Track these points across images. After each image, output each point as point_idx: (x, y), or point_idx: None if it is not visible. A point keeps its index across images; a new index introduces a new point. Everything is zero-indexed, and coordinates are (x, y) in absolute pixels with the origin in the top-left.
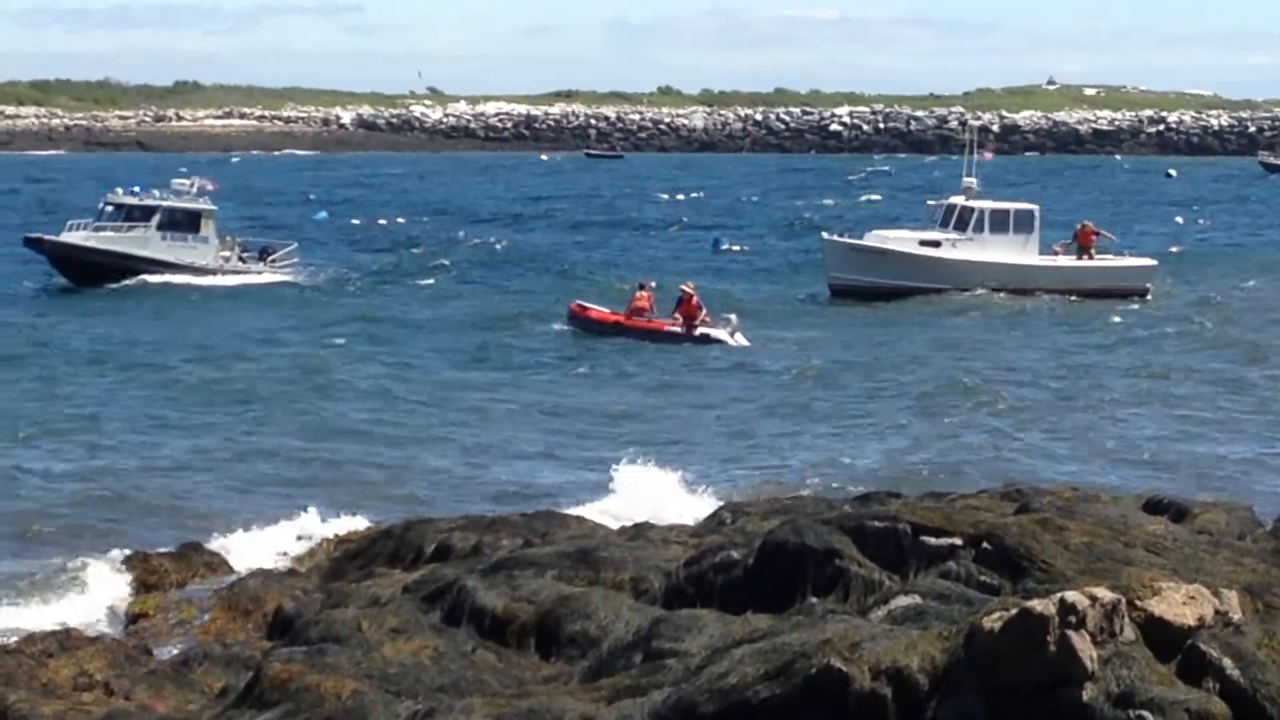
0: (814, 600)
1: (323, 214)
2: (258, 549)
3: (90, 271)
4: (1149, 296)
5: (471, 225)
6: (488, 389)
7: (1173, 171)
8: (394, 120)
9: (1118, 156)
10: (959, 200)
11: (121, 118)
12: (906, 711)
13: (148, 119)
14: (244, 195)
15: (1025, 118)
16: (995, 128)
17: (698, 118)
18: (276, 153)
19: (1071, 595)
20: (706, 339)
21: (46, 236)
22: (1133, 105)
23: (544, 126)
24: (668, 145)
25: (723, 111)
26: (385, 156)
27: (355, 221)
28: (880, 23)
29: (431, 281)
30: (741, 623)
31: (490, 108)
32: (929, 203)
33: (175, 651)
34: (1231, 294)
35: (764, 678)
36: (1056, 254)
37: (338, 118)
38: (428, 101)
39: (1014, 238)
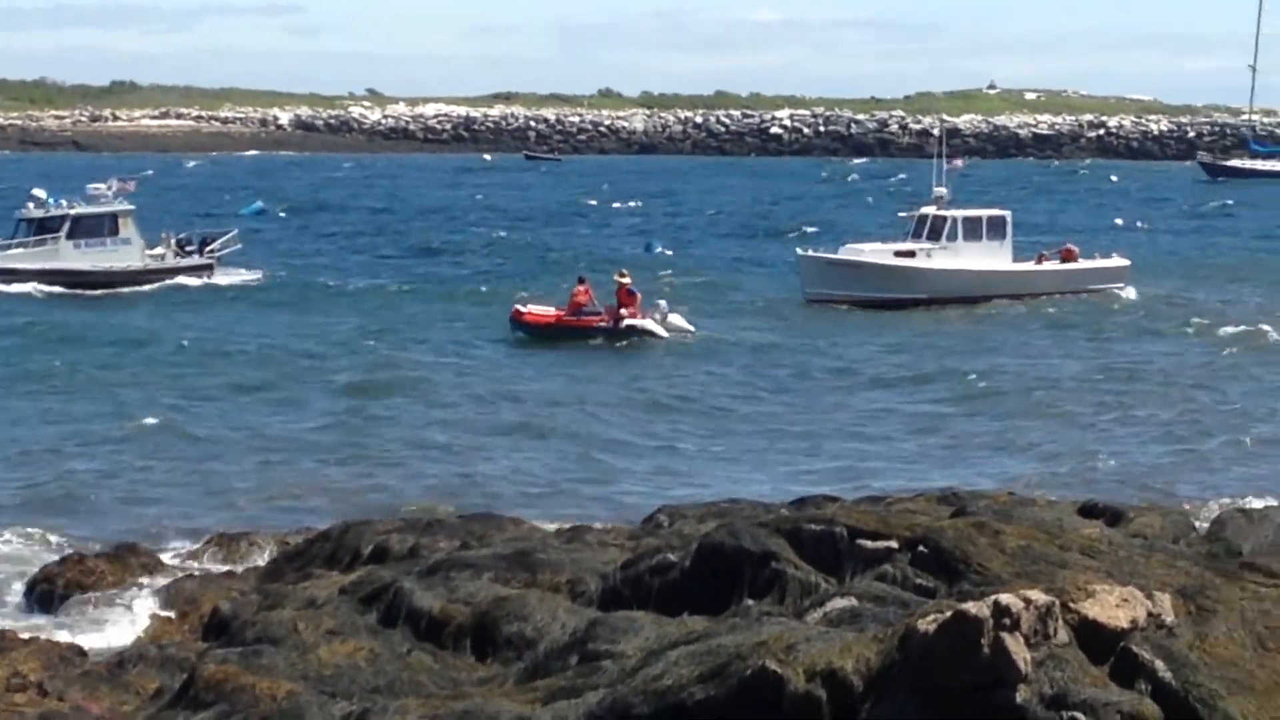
0: (750, 603)
1: (257, 204)
2: (194, 550)
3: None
4: (1125, 296)
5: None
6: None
7: (1114, 177)
8: (332, 121)
9: (1056, 162)
10: (930, 210)
11: (57, 117)
12: (841, 713)
13: (84, 119)
14: (196, 198)
15: (966, 121)
16: (935, 131)
17: (638, 120)
18: (224, 153)
19: (1006, 598)
20: (632, 330)
21: None
22: (1073, 110)
23: (483, 128)
24: (607, 148)
25: (663, 114)
26: (356, 157)
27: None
28: (822, 25)
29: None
30: (678, 625)
31: (430, 109)
32: (900, 214)
33: (110, 652)
34: (1193, 299)
35: (699, 679)
36: (1042, 261)
37: (275, 118)
38: (366, 103)
39: (988, 244)
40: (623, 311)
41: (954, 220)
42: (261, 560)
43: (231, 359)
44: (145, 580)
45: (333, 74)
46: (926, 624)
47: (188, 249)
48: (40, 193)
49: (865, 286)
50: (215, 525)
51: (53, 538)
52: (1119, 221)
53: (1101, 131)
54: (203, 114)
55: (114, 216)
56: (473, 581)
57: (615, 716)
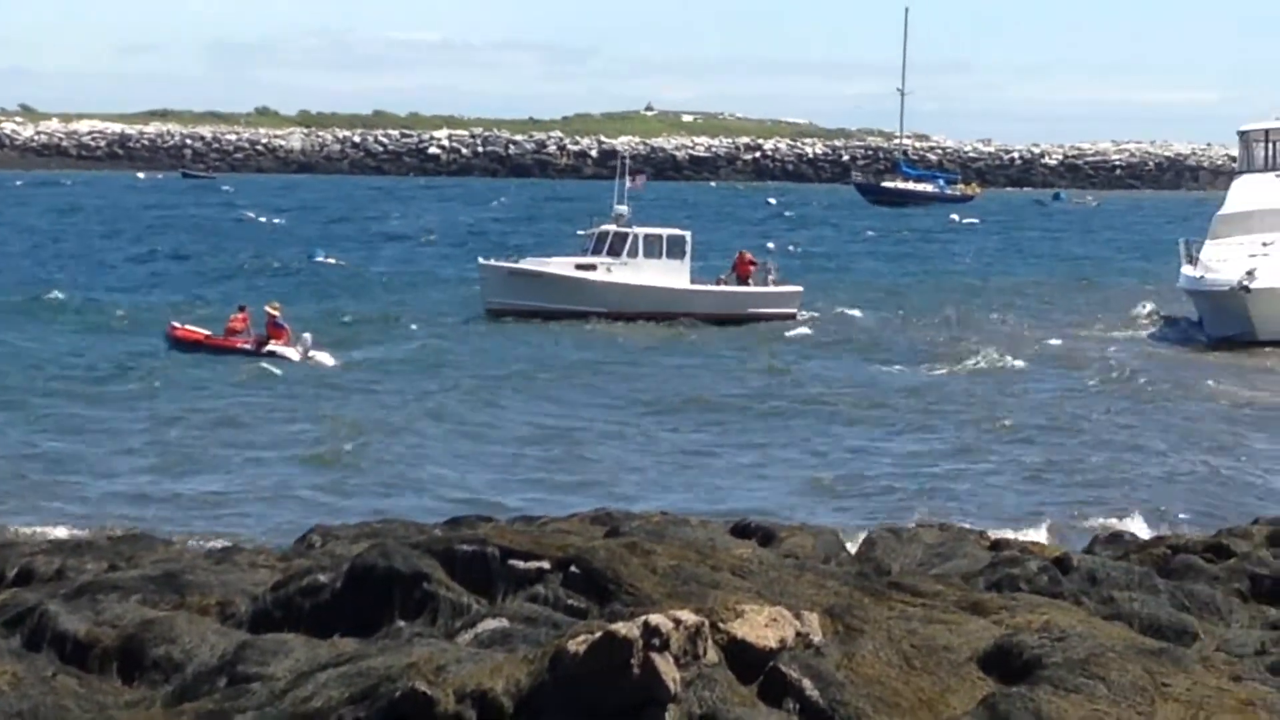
0: (402, 624)
1: None
2: None
3: None
4: (796, 319)
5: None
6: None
7: (772, 200)
8: None
9: (713, 183)
10: (611, 227)
11: None
12: None
13: None
14: None
15: (623, 143)
16: (594, 153)
17: (295, 139)
18: None
19: (655, 618)
20: (273, 354)
21: None
22: (730, 132)
23: (139, 146)
24: (265, 166)
25: (321, 133)
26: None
27: None
28: (482, 47)
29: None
30: (328, 647)
31: (84, 125)
32: (579, 232)
33: None
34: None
35: (349, 701)
36: (721, 283)
37: None
38: (19, 119)
39: (667, 262)
40: (272, 342)
41: (635, 237)
42: None
43: None
44: None
45: None
46: (576, 644)
47: None
48: None
49: (544, 297)
50: None
51: None
52: (771, 245)
53: (758, 154)
54: None
55: None
56: (120, 603)
57: None
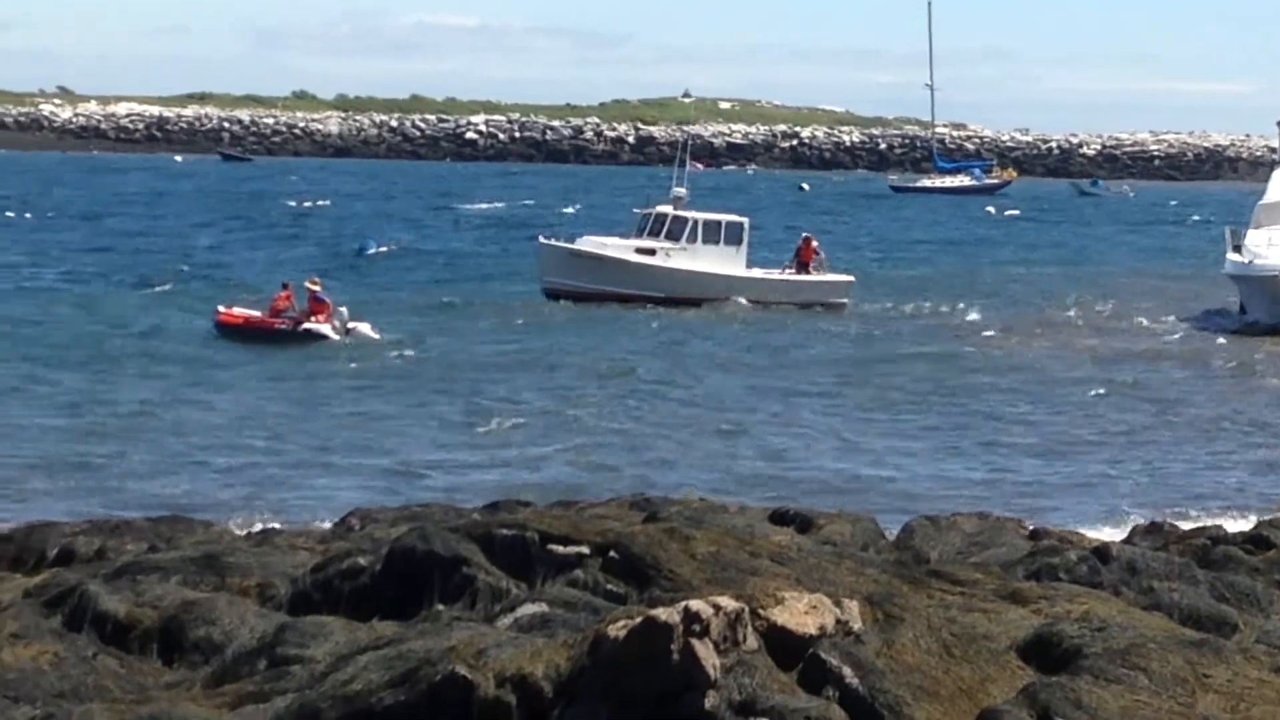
0: (441, 608)
1: None
2: None
3: None
4: (846, 308)
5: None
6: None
7: (805, 185)
8: (22, 119)
9: (750, 169)
10: (669, 209)
11: None
12: (531, 719)
13: None
14: None
15: (661, 130)
16: (630, 139)
17: (333, 123)
18: None
19: (695, 604)
20: (309, 334)
21: None
22: (767, 119)
23: (177, 129)
24: (302, 150)
25: (358, 117)
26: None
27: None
28: (518, 32)
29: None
30: (368, 630)
31: (122, 108)
32: (635, 210)
33: None
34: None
35: (388, 684)
36: (786, 271)
37: None
38: (57, 100)
39: (724, 249)
40: (315, 318)
41: (695, 222)
42: None
43: None
44: None
45: (21, 71)
46: (616, 630)
47: None
48: None
49: (603, 280)
50: None
51: None
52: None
53: (795, 142)
54: None
55: None
56: (160, 584)
57: None
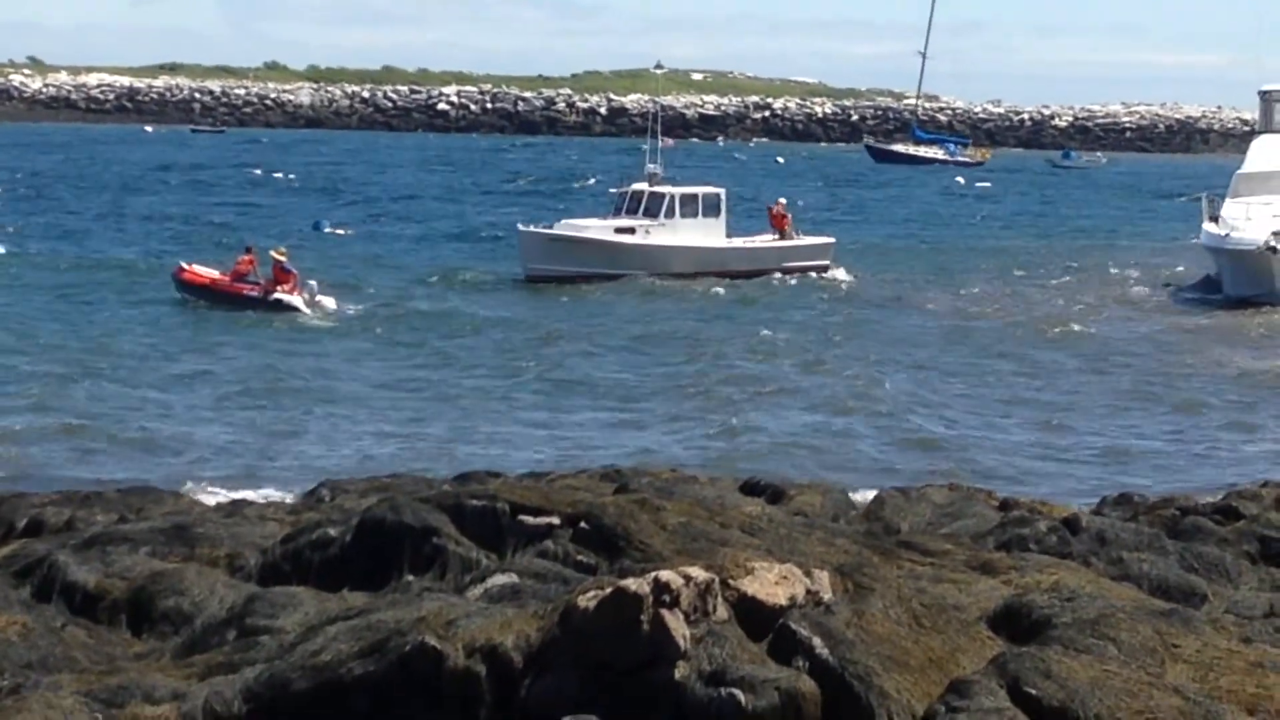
0: (411, 578)
1: None
2: None
3: None
4: (829, 273)
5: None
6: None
7: (780, 159)
8: None
9: (721, 141)
10: (644, 186)
11: None
12: (501, 689)
13: None
14: None
15: (632, 101)
16: (603, 110)
17: (304, 94)
18: None
19: (665, 574)
20: (279, 304)
21: None
22: (739, 91)
23: (147, 99)
24: (274, 121)
25: (330, 88)
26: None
27: None
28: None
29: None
30: (337, 600)
31: (93, 79)
32: (611, 190)
33: None
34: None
35: (358, 655)
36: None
37: None
38: (27, 71)
39: (704, 221)
40: (281, 287)
41: (672, 197)
42: None
43: None
44: None
45: None
46: (586, 600)
47: None
48: None
49: (584, 261)
50: None
51: None
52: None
53: (767, 113)
54: None
55: None
56: (129, 555)
57: (273, 691)
